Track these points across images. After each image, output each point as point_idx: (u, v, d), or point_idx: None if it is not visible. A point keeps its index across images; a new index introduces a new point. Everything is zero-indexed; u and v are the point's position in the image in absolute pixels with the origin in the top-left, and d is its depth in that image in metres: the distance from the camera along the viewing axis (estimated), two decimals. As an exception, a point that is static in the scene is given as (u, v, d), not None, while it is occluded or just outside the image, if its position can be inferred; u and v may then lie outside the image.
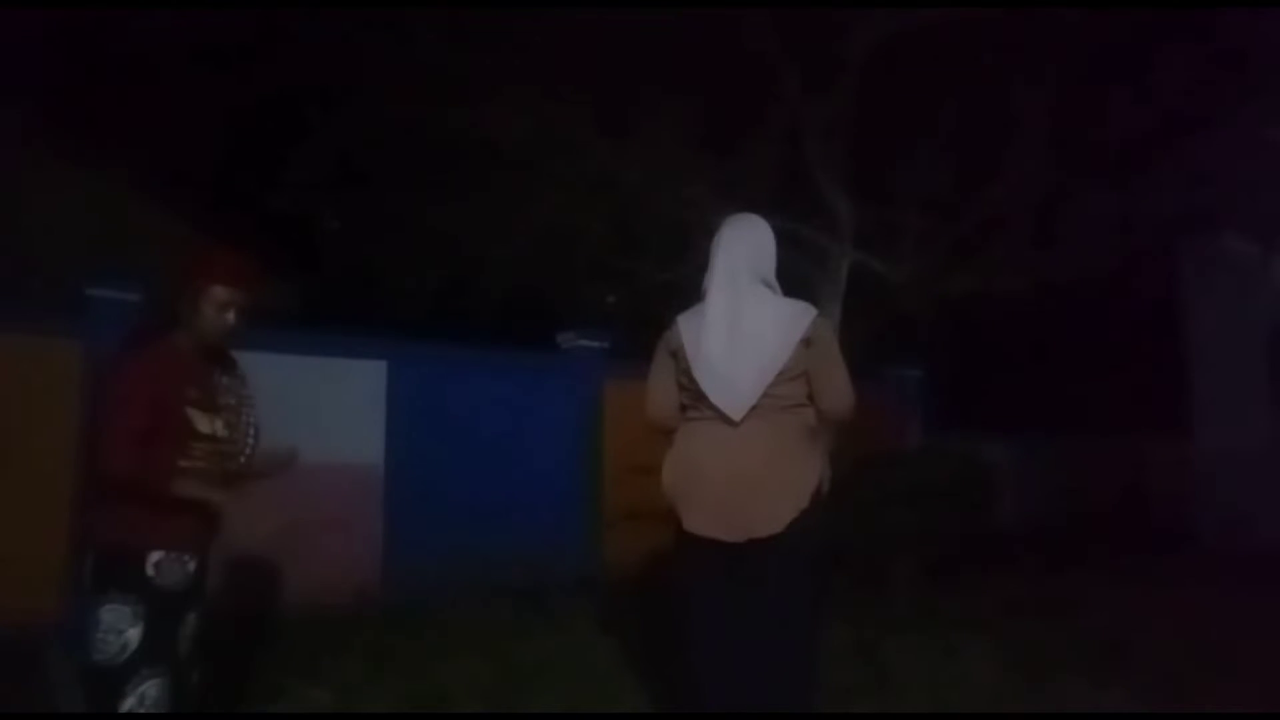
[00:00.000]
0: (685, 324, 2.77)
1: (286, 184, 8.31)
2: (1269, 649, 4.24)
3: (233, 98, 9.46)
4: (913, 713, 3.58)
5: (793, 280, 3.08)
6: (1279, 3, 6.23)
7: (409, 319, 8.13)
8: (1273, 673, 3.90)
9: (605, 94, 6.42)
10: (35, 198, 7.83)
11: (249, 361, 2.74)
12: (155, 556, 2.27)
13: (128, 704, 2.19)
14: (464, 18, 6.45)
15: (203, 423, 2.37)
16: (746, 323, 2.65)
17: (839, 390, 2.67)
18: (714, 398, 2.63)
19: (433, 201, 7.46)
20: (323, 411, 5.87)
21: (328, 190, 8.76)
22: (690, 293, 2.87)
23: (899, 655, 4.20)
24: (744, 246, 2.75)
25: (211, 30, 8.45)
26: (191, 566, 2.38)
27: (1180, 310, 9.66)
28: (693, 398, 2.72)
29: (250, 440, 2.61)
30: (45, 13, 8.01)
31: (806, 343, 2.62)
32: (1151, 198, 6.87)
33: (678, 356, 2.75)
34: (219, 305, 2.38)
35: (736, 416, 2.60)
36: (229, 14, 8.19)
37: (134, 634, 2.22)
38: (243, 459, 2.57)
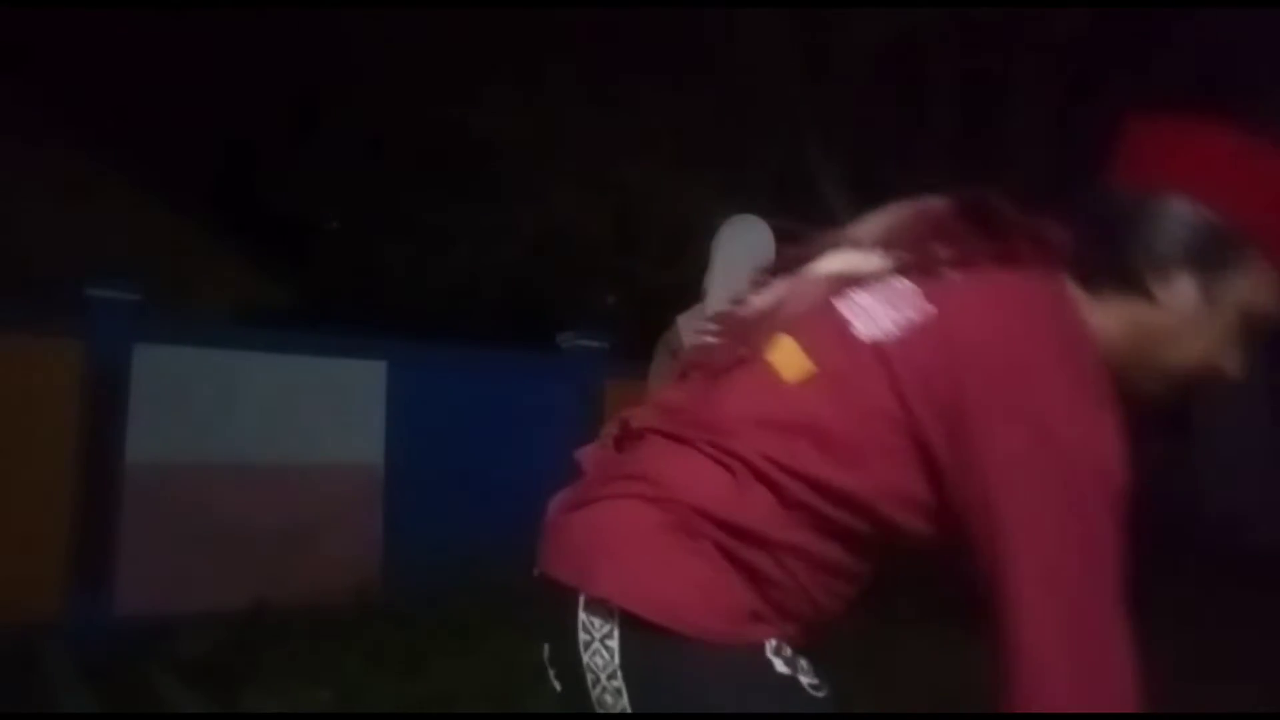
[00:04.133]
0: (685, 324, 2.77)
1: (287, 183, 8.32)
2: (1268, 649, 4.24)
3: (233, 96, 9.47)
4: (913, 713, 3.58)
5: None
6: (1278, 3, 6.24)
7: (409, 319, 8.16)
8: (1272, 672, 3.90)
9: (607, 93, 6.42)
10: (36, 197, 7.83)
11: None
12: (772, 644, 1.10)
13: None
14: (465, 16, 6.46)
15: None
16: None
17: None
18: (715, 398, 2.62)
19: (433, 201, 7.47)
20: (323, 411, 5.86)
21: (328, 190, 8.77)
22: (690, 293, 2.87)
23: (899, 655, 4.20)
24: (743, 247, 2.75)
25: (213, 29, 8.46)
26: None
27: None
28: (693, 398, 2.71)
29: None
30: (45, 12, 8.01)
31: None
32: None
33: (678, 357, 2.75)
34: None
35: (738, 416, 2.60)
36: (230, 12, 8.20)
37: None
38: None
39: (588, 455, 1.15)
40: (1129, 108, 1.11)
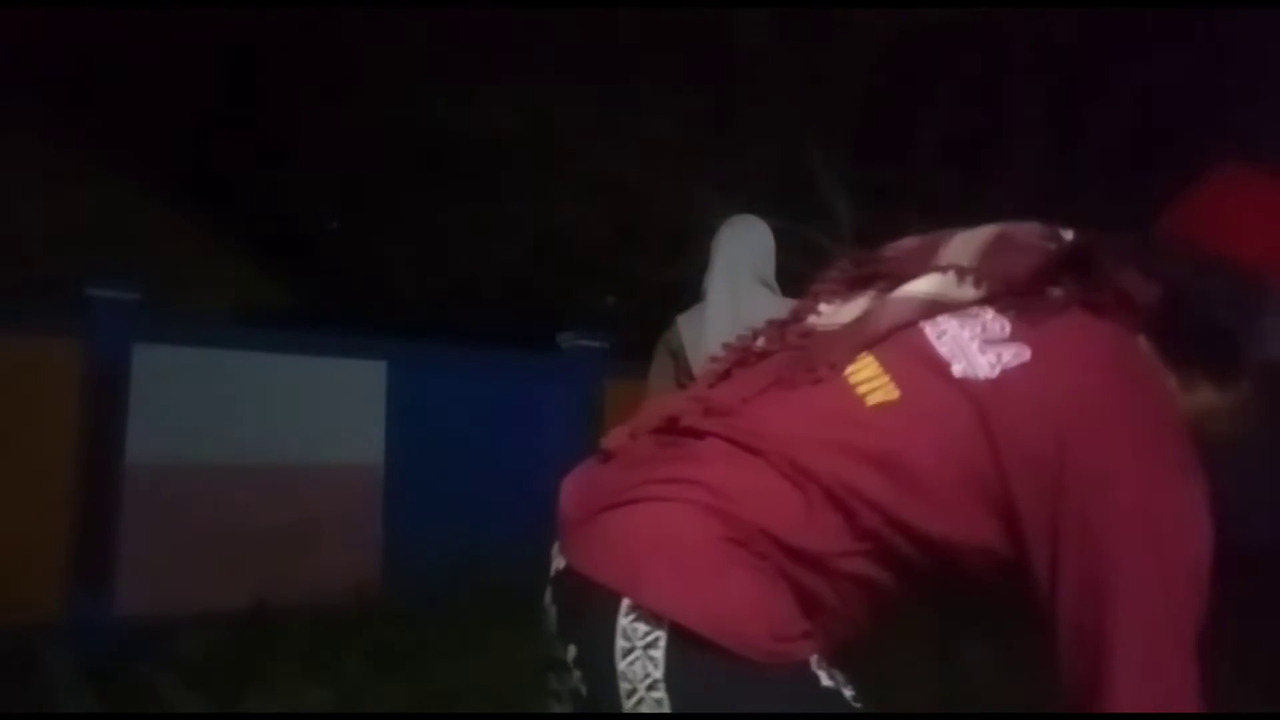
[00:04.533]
0: (685, 324, 2.76)
1: (287, 183, 8.31)
2: (1268, 649, 4.25)
3: (234, 97, 9.47)
4: (913, 713, 3.58)
5: (793, 280, 3.08)
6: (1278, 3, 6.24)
7: (409, 319, 8.16)
8: (1272, 672, 3.90)
9: (606, 93, 6.42)
10: (36, 197, 7.83)
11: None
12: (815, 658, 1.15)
13: None
14: (466, 16, 6.46)
15: None
16: (746, 323, 2.63)
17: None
18: (715, 398, 2.62)
19: (433, 201, 7.47)
20: (323, 411, 5.87)
21: (328, 190, 8.78)
22: (690, 293, 2.87)
23: (900, 655, 4.20)
24: (743, 247, 2.74)
25: (214, 28, 8.46)
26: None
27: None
28: (692, 398, 2.71)
29: None
30: (45, 12, 8.02)
31: (806, 343, 2.62)
32: (1151, 197, 6.88)
33: (678, 357, 2.75)
34: None
35: (737, 417, 2.59)
36: (231, 12, 8.20)
37: None
38: None
39: (616, 442, 1.07)
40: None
